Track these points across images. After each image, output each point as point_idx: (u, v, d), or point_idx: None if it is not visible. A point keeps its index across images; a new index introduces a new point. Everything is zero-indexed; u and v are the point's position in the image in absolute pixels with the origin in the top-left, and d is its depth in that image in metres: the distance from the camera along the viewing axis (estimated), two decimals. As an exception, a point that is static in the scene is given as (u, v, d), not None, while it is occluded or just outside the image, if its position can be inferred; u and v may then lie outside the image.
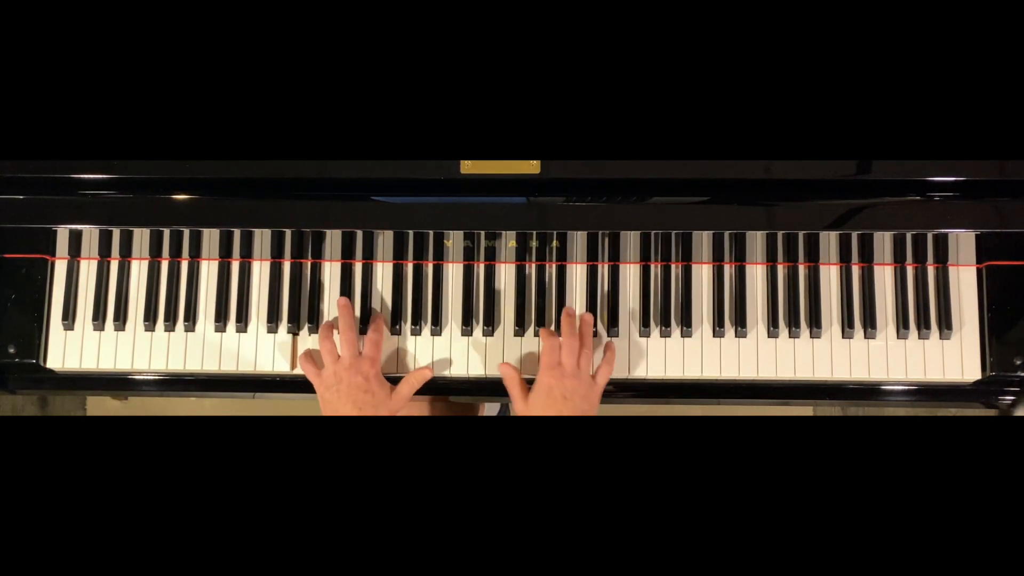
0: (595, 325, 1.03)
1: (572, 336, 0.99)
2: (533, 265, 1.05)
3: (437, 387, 1.06)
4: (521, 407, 0.99)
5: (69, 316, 1.05)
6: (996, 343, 1.01)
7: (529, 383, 1.00)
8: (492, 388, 1.04)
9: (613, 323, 1.03)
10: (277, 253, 1.06)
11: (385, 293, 1.05)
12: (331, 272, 1.06)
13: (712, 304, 1.03)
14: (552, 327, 1.03)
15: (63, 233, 1.06)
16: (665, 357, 1.03)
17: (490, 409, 1.57)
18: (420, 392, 1.03)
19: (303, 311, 1.05)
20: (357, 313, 1.04)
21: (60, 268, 1.06)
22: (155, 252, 1.06)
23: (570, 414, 0.95)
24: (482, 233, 1.05)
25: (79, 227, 1.04)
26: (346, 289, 1.04)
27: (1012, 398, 1.01)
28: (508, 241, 1.05)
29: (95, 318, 1.05)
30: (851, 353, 1.02)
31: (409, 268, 1.05)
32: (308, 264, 1.06)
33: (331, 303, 1.05)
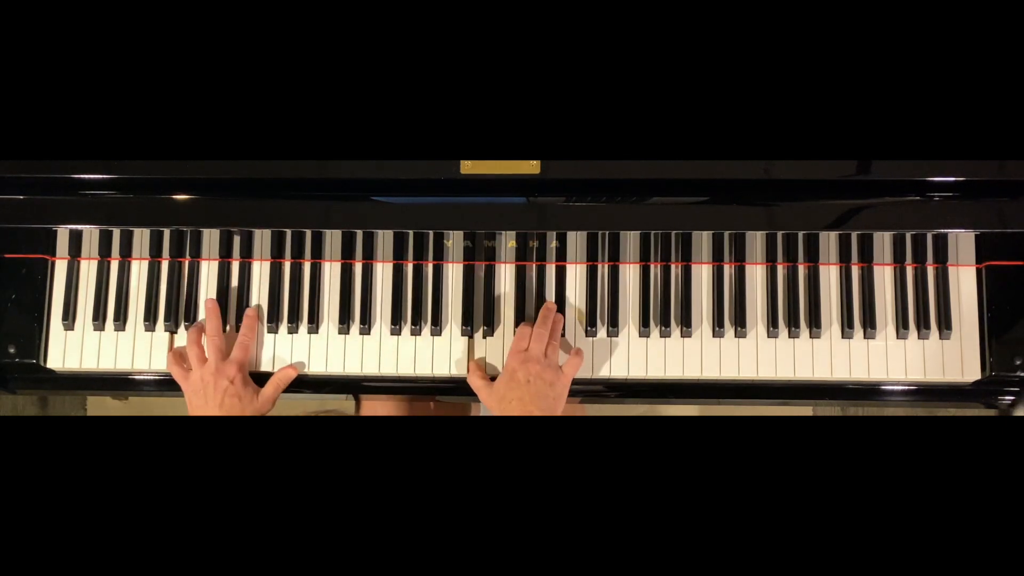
0: (595, 325, 1.03)
1: (544, 326, 0.99)
2: (533, 265, 1.05)
3: (436, 387, 1.06)
4: (485, 395, 1.00)
5: (69, 316, 1.05)
6: (996, 343, 1.01)
7: None
8: (492, 388, 1.04)
9: (613, 323, 1.03)
10: (277, 253, 1.06)
11: (385, 293, 1.05)
12: (331, 272, 1.06)
13: (712, 304, 1.03)
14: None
15: (63, 233, 1.06)
16: (665, 357, 1.03)
17: (488, 410, 1.56)
18: (420, 392, 1.03)
19: (303, 311, 1.05)
20: (357, 313, 1.04)
21: (60, 268, 1.06)
22: (155, 252, 1.06)
23: (532, 399, 0.95)
24: (482, 233, 1.05)
25: (79, 227, 1.04)
26: (346, 289, 1.04)
27: (1012, 398, 1.01)
28: (508, 241, 1.05)
29: (95, 318, 1.05)
30: (851, 353, 1.02)
31: (409, 268, 1.05)
32: (308, 264, 1.06)
33: (331, 303, 1.05)
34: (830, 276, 1.03)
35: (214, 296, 1.05)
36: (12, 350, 1.05)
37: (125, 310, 1.05)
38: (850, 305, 1.02)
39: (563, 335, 1.03)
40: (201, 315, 1.05)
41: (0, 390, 1.06)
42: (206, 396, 0.99)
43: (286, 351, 1.05)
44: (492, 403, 0.99)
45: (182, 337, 1.05)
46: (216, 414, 0.98)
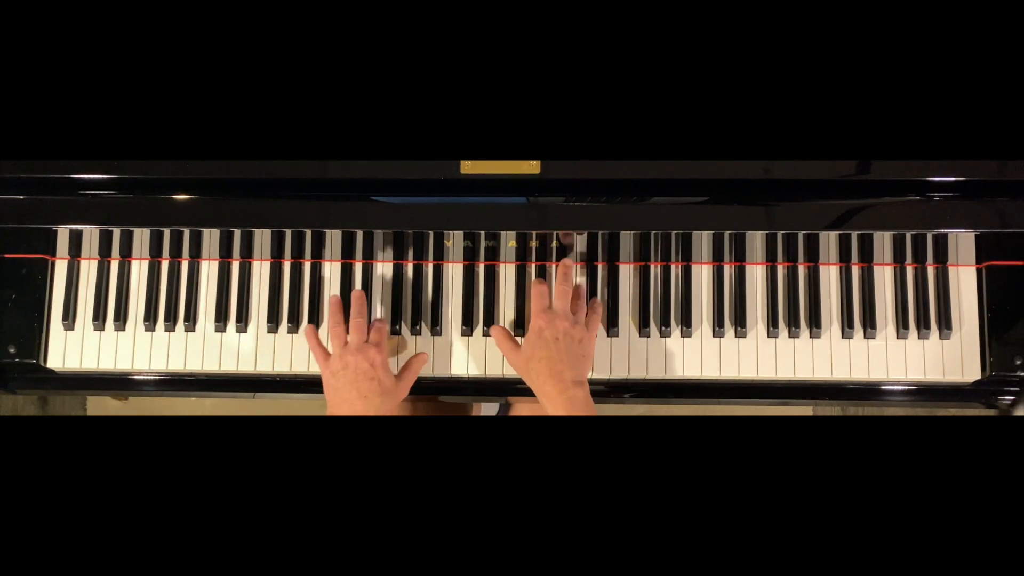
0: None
1: (565, 282, 0.98)
2: (533, 265, 1.05)
3: (437, 387, 1.06)
4: (514, 357, 0.98)
5: (69, 316, 1.05)
6: (996, 343, 1.01)
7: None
8: (492, 388, 1.04)
9: (613, 323, 1.03)
10: (277, 253, 1.06)
11: (385, 293, 1.05)
12: (331, 272, 1.06)
13: (712, 304, 1.03)
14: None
15: (63, 233, 1.06)
16: (665, 357, 1.03)
17: (487, 410, 1.56)
18: (419, 392, 1.03)
19: (303, 311, 1.05)
20: (357, 313, 1.04)
21: (60, 268, 1.06)
22: (155, 252, 1.06)
23: (562, 357, 0.93)
24: (482, 233, 1.05)
25: (79, 227, 1.04)
26: (346, 289, 1.04)
27: (1012, 398, 1.01)
28: (508, 241, 1.05)
29: (95, 318, 1.05)
30: (851, 353, 1.02)
31: (409, 268, 1.05)
32: (308, 264, 1.06)
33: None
34: (830, 276, 1.03)
35: (214, 295, 1.05)
36: (12, 350, 1.05)
37: (125, 310, 1.05)
38: (850, 305, 1.02)
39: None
40: (203, 315, 1.05)
41: (0, 390, 1.06)
42: (345, 377, 0.95)
43: (286, 351, 1.05)
44: (520, 364, 0.97)
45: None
46: (353, 396, 0.95)
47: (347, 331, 0.99)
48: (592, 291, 1.04)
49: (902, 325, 1.02)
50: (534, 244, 1.05)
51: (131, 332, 1.05)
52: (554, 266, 1.05)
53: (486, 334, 1.04)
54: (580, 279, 1.04)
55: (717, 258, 1.04)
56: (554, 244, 1.05)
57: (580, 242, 1.05)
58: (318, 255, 1.06)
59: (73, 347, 1.05)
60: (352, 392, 0.95)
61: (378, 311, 1.05)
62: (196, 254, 1.06)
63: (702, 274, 1.04)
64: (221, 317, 1.05)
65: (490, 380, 1.04)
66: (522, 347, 0.97)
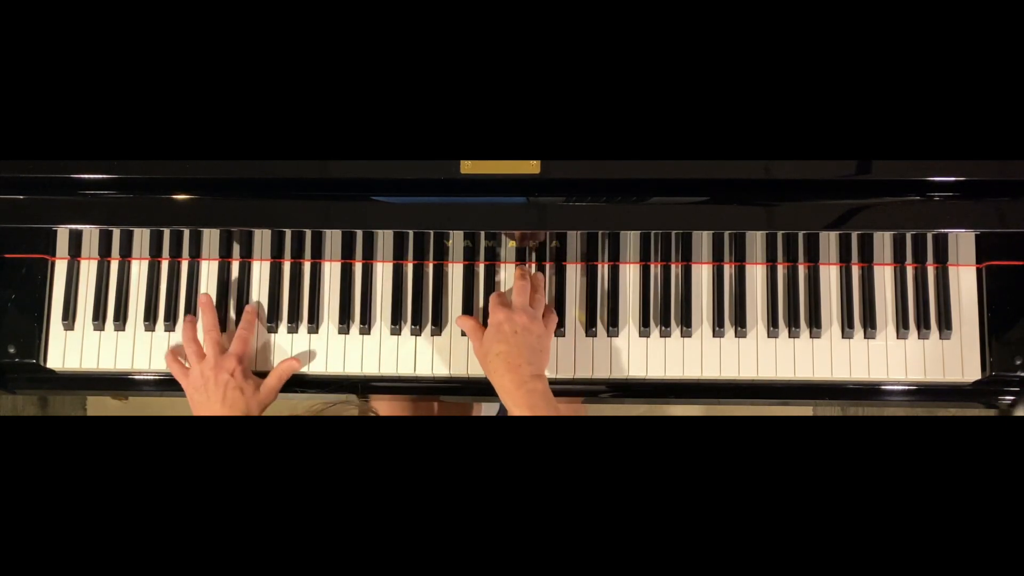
0: (595, 325, 1.03)
1: (523, 279, 0.98)
2: (533, 265, 1.05)
3: (437, 387, 1.06)
4: (478, 351, 0.98)
5: (69, 316, 1.05)
6: (996, 343, 1.01)
7: None
8: (492, 388, 1.04)
9: (613, 323, 1.03)
10: (277, 253, 1.06)
11: (385, 293, 1.05)
12: (331, 272, 1.06)
13: (712, 304, 1.03)
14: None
15: (63, 233, 1.06)
16: (665, 357, 1.03)
17: (487, 410, 1.56)
18: (420, 392, 1.03)
19: (303, 311, 1.05)
20: (357, 313, 1.04)
21: (60, 268, 1.06)
22: (155, 252, 1.06)
23: (520, 351, 0.93)
24: (482, 233, 1.05)
25: (79, 227, 1.04)
26: (346, 289, 1.04)
27: (1012, 398, 1.01)
28: (508, 241, 1.05)
29: (95, 318, 1.05)
30: (851, 353, 1.02)
31: (409, 268, 1.05)
32: (308, 264, 1.06)
33: (331, 303, 1.05)
34: (830, 276, 1.03)
35: (213, 296, 1.05)
36: (12, 350, 1.05)
37: (125, 310, 1.05)
38: (850, 305, 1.02)
39: (563, 334, 1.03)
40: (203, 315, 1.05)
41: (0, 390, 1.06)
42: (207, 391, 0.98)
43: (286, 351, 1.05)
44: (480, 356, 0.98)
45: (175, 343, 1.05)
46: (219, 409, 0.97)
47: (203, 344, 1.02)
48: (592, 291, 1.04)
49: (902, 325, 1.02)
50: (534, 244, 1.05)
51: (131, 332, 1.05)
52: (554, 266, 1.05)
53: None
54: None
55: (717, 258, 1.04)
56: (554, 244, 1.05)
57: (580, 242, 1.05)
58: (318, 255, 1.06)
59: (73, 347, 1.05)
60: (217, 405, 0.97)
61: (378, 311, 1.05)
62: (196, 254, 1.06)
63: (702, 274, 1.04)
64: (221, 317, 1.05)
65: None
66: (484, 339, 0.97)
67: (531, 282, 0.99)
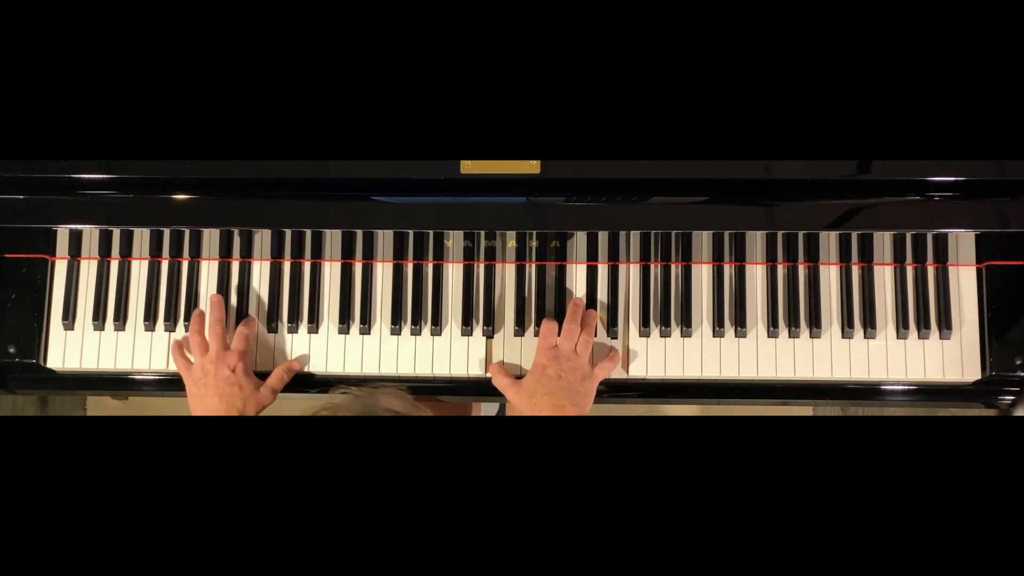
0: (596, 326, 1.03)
1: (573, 322, 0.99)
2: (533, 265, 1.05)
3: (437, 387, 1.06)
4: (513, 392, 0.98)
5: (69, 316, 1.05)
6: (996, 343, 1.01)
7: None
8: (492, 388, 1.04)
9: (613, 323, 1.03)
10: (277, 253, 1.06)
11: (385, 293, 1.05)
12: (331, 272, 1.06)
13: (712, 304, 1.03)
14: (552, 327, 1.02)
15: (63, 233, 1.06)
16: (665, 357, 1.03)
17: (487, 410, 1.56)
18: (420, 392, 1.03)
19: (303, 311, 1.05)
20: (357, 313, 1.04)
21: (60, 268, 1.06)
22: (155, 252, 1.06)
23: (564, 394, 0.94)
24: (482, 233, 1.05)
25: (79, 227, 1.04)
26: (346, 289, 1.04)
27: (1012, 398, 1.01)
28: (508, 241, 1.05)
29: (95, 318, 1.05)
30: (851, 353, 1.02)
31: (409, 268, 1.05)
32: (308, 264, 1.06)
33: (331, 303, 1.05)
34: (830, 276, 1.03)
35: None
36: (12, 350, 1.05)
37: (125, 310, 1.05)
38: (850, 305, 1.02)
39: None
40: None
41: (0, 390, 1.06)
42: (206, 385, 0.98)
43: (285, 351, 1.05)
44: (521, 401, 0.98)
45: (182, 336, 1.05)
46: (215, 404, 0.97)
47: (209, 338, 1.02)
48: (592, 291, 1.04)
49: (902, 325, 1.02)
50: (534, 244, 1.05)
51: (131, 332, 1.05)
52: (554, 266, 1.05)
53: (486, 334, 1.04)
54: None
55: (717, 258, 1.04)
56: (554, 244, 1.05)
57: (580, 242, 1.05)
58: (318, 255, 1.06)
59: (73, 347, 1.05)
60: (214, 399, 0.97)
61: (378, 311, 1.05)
62: (196, 254, 1.06)
63: (702, 274, 1.04)
64: (221, 317, 1.05)
65: (490, 380, 1.04)
66: (524, 383, 0.98)
67: (583, 319, 1.00)
